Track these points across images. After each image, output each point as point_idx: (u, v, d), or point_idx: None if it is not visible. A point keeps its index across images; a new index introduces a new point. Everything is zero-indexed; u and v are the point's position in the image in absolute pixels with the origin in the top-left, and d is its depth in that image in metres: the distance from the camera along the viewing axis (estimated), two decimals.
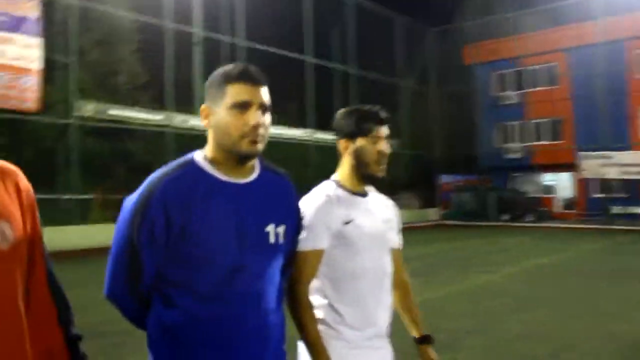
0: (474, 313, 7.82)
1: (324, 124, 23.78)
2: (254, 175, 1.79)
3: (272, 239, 1.77)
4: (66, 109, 18.32)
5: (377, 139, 2.20)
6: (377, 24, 28.54)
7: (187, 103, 20.82)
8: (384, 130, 2.22)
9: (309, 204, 2.14)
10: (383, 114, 2.24)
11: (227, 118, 1.70)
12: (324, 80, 26.33)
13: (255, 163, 1.82)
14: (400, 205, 26.26)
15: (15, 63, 15.92)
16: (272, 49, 23.70)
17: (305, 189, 2.22)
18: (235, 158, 1.72)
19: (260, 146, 1.72)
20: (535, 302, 8.52)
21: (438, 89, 33.21)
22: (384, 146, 2.21)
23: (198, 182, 1.70)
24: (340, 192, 2.20)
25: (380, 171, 2.22)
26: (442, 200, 31.12)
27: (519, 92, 31.59)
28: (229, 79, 1.72)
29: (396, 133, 29.58)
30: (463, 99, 32.61)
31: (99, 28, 22.95)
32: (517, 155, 31.32)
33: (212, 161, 1.75)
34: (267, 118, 1.74)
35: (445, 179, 31.63)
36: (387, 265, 2.25)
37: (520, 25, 30.06)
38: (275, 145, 24.08)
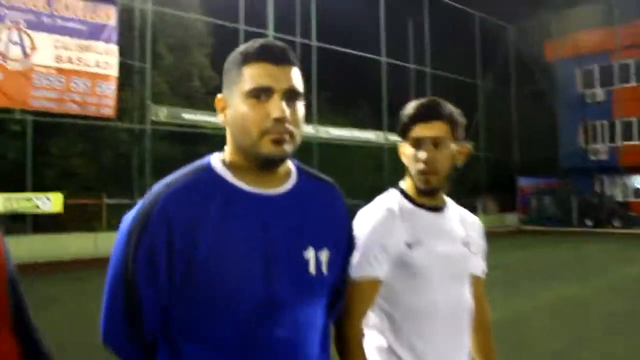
0: (560, 332, 7.10)
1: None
2: (288, 185, 1.36)
3: (312, 269, 1.33)
4: (141, 114, 18.63)
5: (415, 141, 1.71)
6: (453, 21, 27.64)
7: None
8: (425, 131, 1.69)
9: (365, 219, 1.70)
10: (424, 108, 1.72)
11: (243, 109, 1.29)
12: (398, 80, 25.72)
13: (291, 168, 1.39)
14: (478, 210, 25.58)
15: (93, 70, 16.35)
16: (345, 49, 23.33)
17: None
18: (256, 162, 1.30)
19: (287, 147, 1.29)
20: (629, 320, 7.68)
21: (517, 87, 31.86)
22: (421, 152, 1.69)
23: (213, 192, 1.29)
24: (406, 204, 1.74)
25: (423, 183, 1.71)
26: (522, 204, 29.78)
27: (606, 88, 29.72)
28: (246, 59, 1.30)
29: (474, 135, 28.60)
30: (544, 98, 31.12)
31: (173, 33, 23.30)
32: (603, 157, 29.56)
33: (232, 166, 1.34)
34: (299, 109, 1.31)
35: (524, 182, 30.26)
36: (465, 299, 1.77)
37: (608, 17, 28.22)
38: (348, 149, 23.68)
